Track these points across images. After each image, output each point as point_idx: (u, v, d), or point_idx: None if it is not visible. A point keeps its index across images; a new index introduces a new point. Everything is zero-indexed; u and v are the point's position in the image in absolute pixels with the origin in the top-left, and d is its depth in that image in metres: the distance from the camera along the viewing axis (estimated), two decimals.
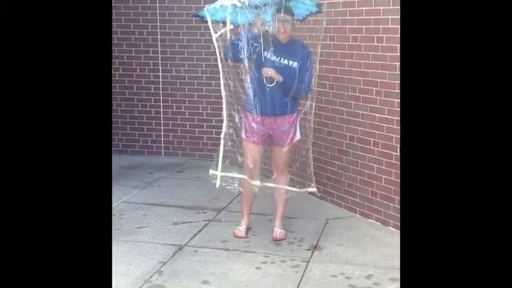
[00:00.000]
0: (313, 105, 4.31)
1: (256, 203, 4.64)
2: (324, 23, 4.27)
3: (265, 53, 4.15)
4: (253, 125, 4.23)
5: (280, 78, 4.15)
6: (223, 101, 4.25)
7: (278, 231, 4.48)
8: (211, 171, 4.28)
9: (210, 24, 4.09)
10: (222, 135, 4.29)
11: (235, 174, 4.30)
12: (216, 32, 4.08)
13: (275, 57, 4.18)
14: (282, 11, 4.13)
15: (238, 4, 3.94)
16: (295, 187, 4.43)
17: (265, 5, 4.16)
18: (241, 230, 4.53)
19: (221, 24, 4.15)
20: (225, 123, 4.28)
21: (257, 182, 4.28)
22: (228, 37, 4.10)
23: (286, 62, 4.19)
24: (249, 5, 4.00)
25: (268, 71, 4.14)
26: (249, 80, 4.20)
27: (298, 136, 4.37)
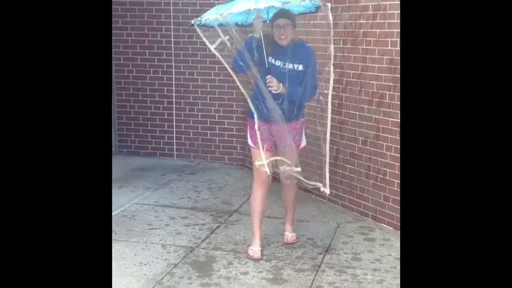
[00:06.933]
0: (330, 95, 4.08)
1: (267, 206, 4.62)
2: (331, 19, 3.89)
3: (269, 58, 3.92)
4: (260, 133, 4.01)
5: (283, 89, 3.91)
6: (246, 95, 4.02)
7: (289, 236, 4.47)
8: (257, 163, 4.06)
9: (203, 37, 3.84)
10: (257, 127, 4.01)
11: (277, 157, 4.07)
12: (212, 43, 3.84)
13: (279, 62, 3.95)
14: (280, 15, 3.92)
15: (222, 19, 3.68)
16: (305, 179, 4.11)
17: (250, 24, 4.04)
18: (255, 251, 4.18)
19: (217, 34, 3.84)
20: (255, 115, 4.01)
21: (267, 169, 4.01)
22: (229, 45, 3.85)
23: (291, 66, 3.95)
24: (232, 23, 3.72)
25: (271, 83, 3.89)
26: (254, 87, 3.97)
27: (304, 143, 4.24)
